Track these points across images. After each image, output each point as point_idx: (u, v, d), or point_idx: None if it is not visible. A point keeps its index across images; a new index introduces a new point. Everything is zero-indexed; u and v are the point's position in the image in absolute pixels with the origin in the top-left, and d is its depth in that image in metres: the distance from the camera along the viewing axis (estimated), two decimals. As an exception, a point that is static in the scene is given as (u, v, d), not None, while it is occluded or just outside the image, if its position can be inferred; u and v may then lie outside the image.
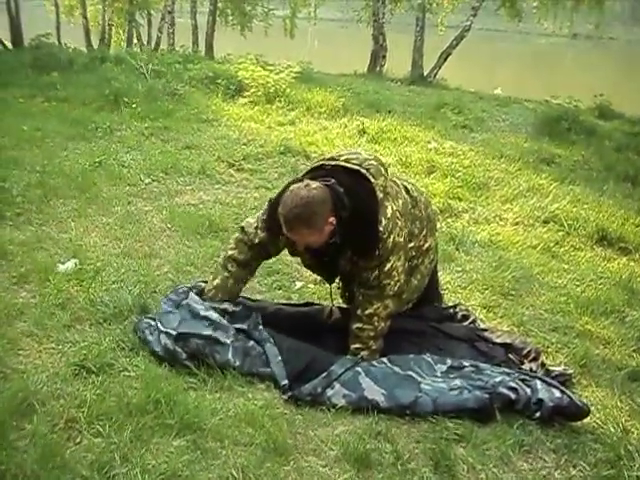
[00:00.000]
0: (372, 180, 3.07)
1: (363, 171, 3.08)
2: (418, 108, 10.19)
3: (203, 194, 5.60)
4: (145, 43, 21.81)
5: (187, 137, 7.29)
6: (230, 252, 3.41)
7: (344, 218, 3.01)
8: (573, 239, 5.21)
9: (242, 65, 10.17)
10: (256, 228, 3.34)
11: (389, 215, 3.06)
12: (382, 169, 3.17)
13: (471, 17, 15.57)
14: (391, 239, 3.06)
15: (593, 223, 5.39)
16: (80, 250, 4.25)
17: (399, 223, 3.11)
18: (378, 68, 16.13)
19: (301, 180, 3.10)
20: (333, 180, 3.05)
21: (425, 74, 15.49)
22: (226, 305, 3.36)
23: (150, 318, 3.34)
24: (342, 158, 3.17)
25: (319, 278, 4.03)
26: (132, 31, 22.14)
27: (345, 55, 21.81)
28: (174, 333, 3.15)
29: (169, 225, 4.84)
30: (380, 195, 3.06)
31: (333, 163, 3.17)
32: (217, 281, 3.42)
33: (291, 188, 3.03)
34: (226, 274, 3.40)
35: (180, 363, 3.09)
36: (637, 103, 12.46)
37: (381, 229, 3.03)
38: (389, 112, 9.31)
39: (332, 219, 2.99)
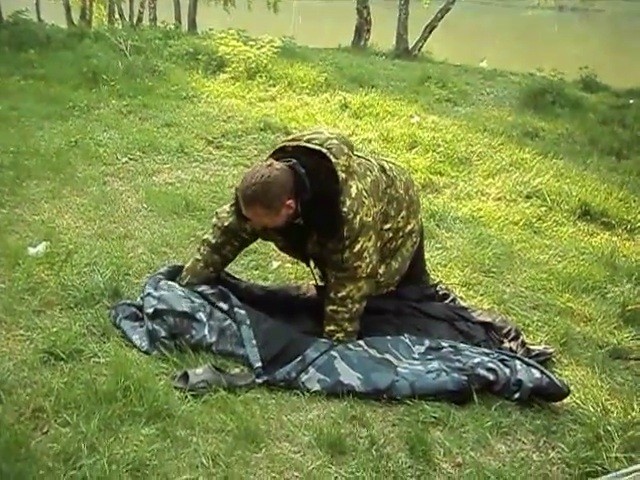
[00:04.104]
0: (333, 160, 2.98)
1: (324, 151, 3.00)
2: (402, 82, 10.08)
3: (181, 172, 5.51)
4: (127, 19, 21.46)
5: (166, 114, 7.17)
6: (205, 236, 3.42)
7: (306, 200, 2.95)
8: (556, 214, 5.15)
9: (223, 40, 9.99)
10: (227, 212, 3.31)
11: (353, 195, 2.98)
12: (345, 148, 3.07)
13: (456, -11, 15.39)
14: (357, 219, 2.97)
15: (576, 198, 5.34)
16: (53, 232, 4.15)
17: (366, 202, 3.03)
18: (362, 42, 15.94)
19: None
20: (294, 161, 2.98)
21: (410, 48, 15.32)
22: (203, 287, 3.30)
23: (132, 305, 3.29)
24: (304, 138, 3.10)
25: (296, 258, 3.98)
26: (113, 7, 21.81)
27: (330, 29, 21.60)
28: (151, 311, 3.10)
29: (145, 205, 4.74)
30: (342, 175, 2.98)
31: (294, 144, 3.09)
32: (188, 264, 3.44)
33: (253, 166, 3.01)
34: (197, 256, 3.39)
35: (159, 341, 3.02)
36: (622, 75, 12.40)
37: (345, 210, 2.94)
38: (372, 87, 9.19)
39: (290, 202, 2.92)
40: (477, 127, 7.51)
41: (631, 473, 2.29)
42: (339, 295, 3.10)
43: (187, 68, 9.55)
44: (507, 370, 2.92)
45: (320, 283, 3.50)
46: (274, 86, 8.79)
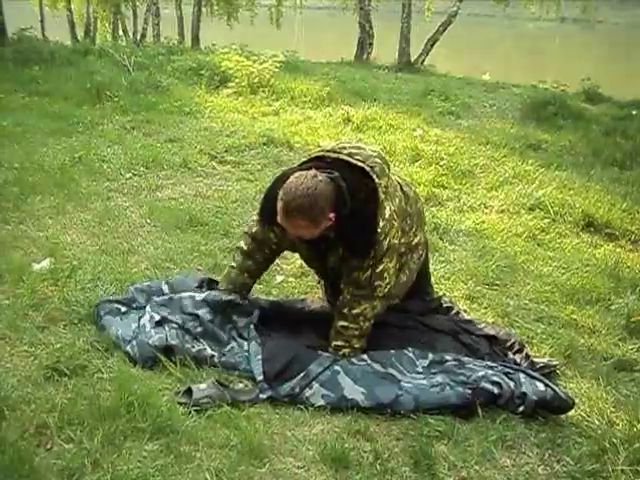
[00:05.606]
0: (376, 180, 2.96)
1: (367, 169, 2.97)
2: (404, 95, 10.11)
3: (184, 188, 5.51)
4: (131, 35, 21.61)
5: (169, 130, 7.19)
6: (238, 243, 3.45)
7: (343, 215, 2.92)
8: (559, 226, 5.15)
9: (226, 55, 10.04)
10: (254, 220, 3.32)
11: (387, 216, 2.97)
12: (386, 168, 3.07)
13: (458, 2, 15.43)
14: (387, 241, 2.97)
15: (579, 209, 5.33)
16: (57, 248, 4.15)
17: (395, 225, 3.03)
18: (365, 56, 16.01)
19: (307, 168, 2.96)
20: (337, 174, 2.93)
21: (412, 61, 15.37)
22: (232, 297, 3.31)
23: (115, 301, 3.38)
24: (345, 152, 3.05)
25: (300, 272, 3.98)
26: (117, 23, 21.99)
27: (332, 43, 21.68)
28: (157, 318, 3.16)
29: (149, 220, 4.75)
30: (382, 196, 2.97)
31: (334, 155, 3.04)
32: (224, 272, 3.49)
33: (297, 175, 2.89)
34: (232, 264, 3.42)
35: (148, 357, 3.05)
36: (625, 86, 12.42)
37: (379, 231, 2.94)
38: (375, 100, 9.21)
39: (332, 215, 2.89)
40: (480, 140, 7.52)
41: (637, 486, 2.28)
42: (353, 312, 3.08)
43: (190, 83, 9.58)
44: (511, 383, 2.91)
45: (324, 298, 3.50)
46: (277, 100, 8.82)
